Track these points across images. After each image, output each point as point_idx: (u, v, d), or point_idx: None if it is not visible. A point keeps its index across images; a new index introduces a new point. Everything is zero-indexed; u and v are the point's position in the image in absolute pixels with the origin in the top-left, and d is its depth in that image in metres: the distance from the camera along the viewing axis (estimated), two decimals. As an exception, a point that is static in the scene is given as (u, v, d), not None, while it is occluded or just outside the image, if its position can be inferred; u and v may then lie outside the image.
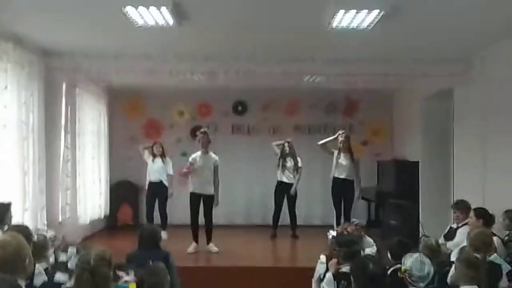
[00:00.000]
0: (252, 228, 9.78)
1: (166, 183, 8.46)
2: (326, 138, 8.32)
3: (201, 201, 7.36)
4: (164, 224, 8.27)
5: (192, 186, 7.37)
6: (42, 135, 6.76)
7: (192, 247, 7.36)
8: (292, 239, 8.68)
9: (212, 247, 7.39)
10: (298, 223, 9.04)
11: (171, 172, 8.54)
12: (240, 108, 10.57)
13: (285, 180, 8.72)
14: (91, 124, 8.90)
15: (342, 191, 8.06)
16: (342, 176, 8.01)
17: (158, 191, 8.42)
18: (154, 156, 8.47)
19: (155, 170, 8.40)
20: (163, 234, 7.96)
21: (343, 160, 8.02)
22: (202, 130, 7.59)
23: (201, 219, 7.46)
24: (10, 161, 5.95)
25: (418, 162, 8.65)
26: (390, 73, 7.15)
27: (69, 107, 7.76)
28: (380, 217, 9.44)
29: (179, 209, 8.81)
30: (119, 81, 7.39)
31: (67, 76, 7.26)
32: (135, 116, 10.38)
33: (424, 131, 8.58)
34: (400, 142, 10.07)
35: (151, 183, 8.44)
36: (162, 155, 8.51)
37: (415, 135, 8.96)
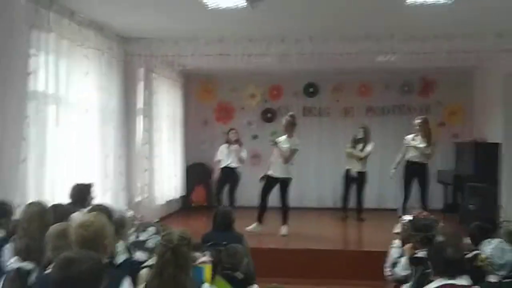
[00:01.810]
0: (323, 211, 9.73)
1: (238, 169, 8.59)
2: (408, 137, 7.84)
3: (277, 184, 7.35)
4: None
5: (271, 170, 7.36)
6: (121, 119, 7.07)
7: (252, 226, 7.22)
8: (359, 222, 8.57)
9: (284, 229, 7.37)
10: (370, 206, 8.89)
11: (245, 155, 8.66)
12: (311, 90, 10.47)
13: (349, 167, 8.60)
14: (167, 108, 9.17)
15: (415, 175, 7.72)
16: (416, 160, 7.65)
17: (231, 176, 8.55)
18: (229, 142, 8.58)
19: (230, 155, 8.52)
20: None
21: (420, 143, 7.65)
22: (289, 113, 7.52)
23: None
24: (92, 144, 6.28)
25: (499, 144, 8.20)
26: (470, 49, 6.78)
27: (146, 92, 8.02)
28: (458, 201, 9.09)
29: (248, 192, 8.91)
30: (193, 65, 7.54)
31: (144, 61, 7.49)
32: (207, 100, 10.57)
33: (507, 111, 8.08)
34: (480, 122, 9.59)
35: (225, 168, 8.57)
36: (238, 142, 8.60)
37: (496, 115, 8.49)
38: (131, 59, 7.35)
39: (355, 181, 8.64)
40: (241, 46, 7.04)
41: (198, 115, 10.58)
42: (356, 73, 9.61)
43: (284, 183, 7.34)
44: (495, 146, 8.24)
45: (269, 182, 7.38)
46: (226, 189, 8.71)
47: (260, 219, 7.42)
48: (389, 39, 6.89)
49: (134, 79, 7.72)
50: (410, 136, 7.78)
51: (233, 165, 8.54)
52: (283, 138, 7.39)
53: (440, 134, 9.85)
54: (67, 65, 5.62)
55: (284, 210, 7.43)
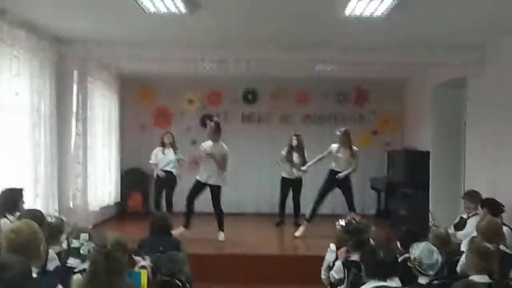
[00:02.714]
0: (260, 217, 9.81)
1: (175, 172, 8.48)
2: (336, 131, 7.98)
3: (207, 189, 7.36)
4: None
5: (200, 175, 7.41)
6: (54, 122, 6.82)
7: (178, 231, 6.93)
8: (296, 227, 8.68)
9: (220, 235, 7.38)
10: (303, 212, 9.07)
11: (183, 156, 8.61)
12: (250, 96, 10.56)
13: (287, 176, 8.70)
14: (102, 112, 8.94)
15: (338, 183, 7.83)
16: (339, 169, 7.76)
17: (167, 180, 8.45)
18: (163, 145, 8.48)
19: (165, 160, 8.42)
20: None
21: (342, 154, 7.76)
22: (215, 119, 7.57)
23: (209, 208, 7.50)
24: (22, 147, 6.01)
25: (429, 152, 8.59)
26: (403, 61, 7.08)
27: (80, 95, 7.77)
28: (390, 207, 9.43)
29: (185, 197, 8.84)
30: (130, 69, 7.42)
31: (78, 63, 7.27)
32: (145, 104, 10.41)
33: (436, 120, 8.50)
34: (411, 132, 10.02)
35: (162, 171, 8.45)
36: (173, 145, 8.51)
37: (426, 124, 8.89)
38: (65, 61, 7.12)
39: (292, 187, 8.75)
40: (179, 52, 7.00)
41: (135, 119, 10.39)
42: (294, 81, 9.79)
43: (215, 189, 7.33)
44: (425, 154, 8.62)
45: (196, 186, 7.38)
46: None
47: (186, 224, 7.37)
48: (326, 49, 7.07)
49: (68, 82, 7.47)
50: (335, 146, 7.85)
51: (168, 168, 8.43)
52: (208, 144, 7.36)
53: (373, 142, 10.23)
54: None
55: (219, 216, 7.42)
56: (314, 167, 8.49)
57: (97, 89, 8.61)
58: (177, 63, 6.99)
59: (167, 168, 8.41)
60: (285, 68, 7.26)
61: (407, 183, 8.56)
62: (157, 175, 8.47)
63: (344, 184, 7.82)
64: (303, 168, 8.25)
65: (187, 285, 3.54)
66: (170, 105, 10.45)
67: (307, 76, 8.62)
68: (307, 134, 9.08)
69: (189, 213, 7.43)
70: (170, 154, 8.46)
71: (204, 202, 7.73)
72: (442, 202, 8.01)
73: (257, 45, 7.00)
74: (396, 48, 6.99)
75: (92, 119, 8.26)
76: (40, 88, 6.43)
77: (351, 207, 7.72)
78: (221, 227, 7.43)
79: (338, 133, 7.84)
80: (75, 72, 7.61)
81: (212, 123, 7.41)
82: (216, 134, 7.31)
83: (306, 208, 8.84)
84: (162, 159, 8.43)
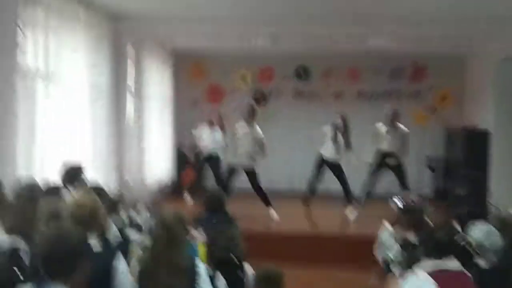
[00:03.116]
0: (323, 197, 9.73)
1: (220, 154, 8.53)
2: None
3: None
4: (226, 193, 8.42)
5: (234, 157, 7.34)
6: (111, 97, 6.98)
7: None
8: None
9: (271, 212, 7.39)
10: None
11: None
12: (302, 73, 10.43)
13: (327, 155, 8.21)
14: (157, 88, 9.06)
15: (385, 164, 7.65)
16: (386, 149, 7.58)
17: (212, 161, 8.52)
18: (211, 124, 8.50)
19: (211, 140, 8.48)
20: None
21: (390, 133, 7.56)
22: (253, 100, 7.43)
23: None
24: (82, 122, 6.19)
25: (489, 131, 8.24)
26: (463, 35, 6.76)
27: (135, 71, 7.92)
28: (448, 187, 9.16)
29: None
30: (184, 45, 7.46)
31: (134, 40, 7.37)
32: (198, 80, 10.48)
33: (498, 98, 8.11)
34: (471, 109, 9.62)
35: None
36: (222, 127, 8.54)
37: (487, 102, 8.51)
38: (120, 37, 7.24)
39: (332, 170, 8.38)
40: (232, 27, 6.97)
41: (188, 95, 10.49)
42: (346, 57, 9.57)
43: (250, 171, 7.31)
44: (486, 133, 8.28)
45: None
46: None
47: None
48: (380, 22, 6.84)
49: (124, 58, 7.60)
50: (381, 125, 7.65)
51: (212, 150, 8.50)
52: (242, 125, 7.25)
53: (430, 120, 9.92)
54: (55, 41, 5.48)
55: (261, 196, 7.40)
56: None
57: (152, 65, 8.73)
58: (230, 39, 6.96)
59: (212, 150, 8.46)
60: (338, 42, 7.06)
61: (466, 163, 8.26)
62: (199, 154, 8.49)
63: (394, 165, 7.61)
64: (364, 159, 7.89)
65: (241, 261, 3.58)
66: (223, 82, 10.46)
67: (360, 51, 8.33)
68: (360, 112, 8.89)
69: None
70: (216, 135, 8.50)
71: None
72: (503, 183, 7.68)
73: (310, 19, 6.86)
74: (456, 20, 6.67)
75: (147, 94, 8.41)
76: (98, 63, 6.57)
77: (403, 187, 7.51)
78: (267, 204, 7.41)
79: (386, 111, 7.58)
80: (131, 48, 7.73)
81: (248, 104, 7.29)
82: (250, 115, 7.20)
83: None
84: (207, 139, 8.48)
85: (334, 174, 8.22)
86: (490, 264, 3.31)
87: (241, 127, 7.26)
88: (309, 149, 10.13)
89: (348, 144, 7.96)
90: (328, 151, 8.10)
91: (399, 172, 7.65)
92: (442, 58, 9.59)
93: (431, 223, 4.13)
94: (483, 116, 8.70)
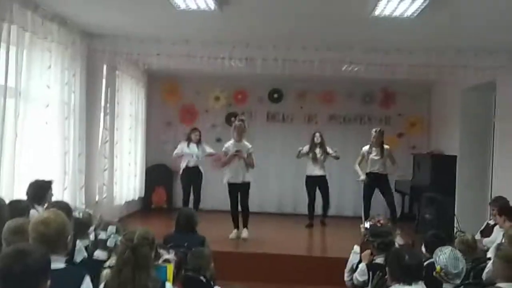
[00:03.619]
0: (283, 217, 9.81)
1: (201, 168, 8.52)
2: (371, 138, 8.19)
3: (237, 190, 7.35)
4: (195, 209, 8.38)
5: (228, 177, 7.33)
6: (83, 115, 6.92)
7: (233, 234, 7.39)
8: (322, 227, 8.68)
9: (244, 232, 7.40)
10: (329, 214, 9.05)
11: (211, 150, 8.64)
12: (276, 95, 10.55)
13: (314, 173, 8.64)
14: (130, 107, 9.03)
15: (377, 185, 8.06)
16: (375, 171, 8.01)
17: (194, 176, 8.48)
18: (189, 141, 8.51)
19: (192, 155, 8.46)
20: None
21: (375, 155, 8.01)
22: (240, 117, 7.54)
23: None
24: (52, 140, 6.11)
25: (455, 156, 8.47)
26: (431, 64, 6.98)
27: (109, 89, 7.88)
28: (414, 211, 9.32)
29: (211, 195, 8.92)
30: (159, 65, 7.47)
31: (108, 58, 7.35)
32: (172, 100, 10.49)
33: (463, 124, 8.38)
34: (437, 135, 9.88)
35: (187, 168, 8.49)
36: (198, 142, 8.54)
37: (453, 128, 8.77)
38: (94, 55, 7.21)
39: (319, 186, 8.72)
40: (207, 49, 7.03)
41: (161, 115, 10.49)
42: (320, 81, 9.72)
43: (244, 186, 7.34)
44: (452, 158, 8.51)
45: (231, 190, 7.36)
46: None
47: (236, 226, 7.45)
48: (352, 50, 7.03)
49: (97, 76, 7.58)
50: (366, 147, 8.10)
51: (196, 164, 8.47)
52: (230, 143, 7.36)
53: (398, 145, 10.12)
54: (28, 58, 5.46)
55: (245, 214, 7.46)
56: (337, 164, 8.72)
57: (125, 84, 8.72)
58: (205, 60, 7.01)
59: (192, 164, 8.44)
60: (312, 68, 7.21)
61: (432, 187, 8.45)
62: (183, 170, 8.48)
63: (383, 185, 8.02)
64: (361, 178, 8.20)
65: (211, 282, 3.57)
66: (196, 102, 10.51)
67: (333, 76, 8.53)
68: (331, 134, 9.03)
69: (235, 217, 7.47)
70: (195, 149, 8.49)
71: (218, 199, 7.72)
72: (468, 207, 7.90)
73: (284, 44, 6.99)
74: (425, 50, 6.91)
75: (119, 113, 8.37)
76: (70, 81, 6.52)
77: (391, 207, 7.95)
78: (245, 224, 7.45)
79: (373, 132, 8.04)
80: (105, 67, 7.71)
81: (236, 122, 7.38)
82: (239, 133, 7.28)
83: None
84: (187, 153, 8.46)
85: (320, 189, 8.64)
86: (454, 287, 3.37)
87: (230, 145, 7.31)
88: (281, 170, 10.26)
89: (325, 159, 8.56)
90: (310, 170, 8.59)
91: (388, 192, 8.07)
92: (411, 86, 9.86)
93: (397, 247, 4.20)
94: (449, 142, 8.94)
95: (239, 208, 7.43)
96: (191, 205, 8.22)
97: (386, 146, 8.11)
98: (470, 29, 6.01)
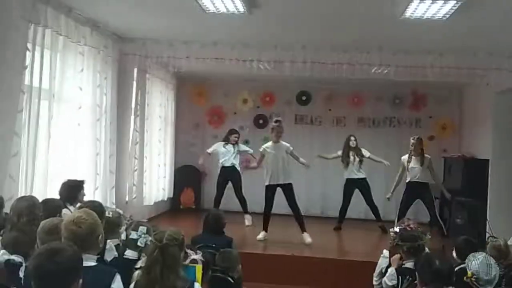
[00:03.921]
0: (310, 219, 9.73)
1: (238, 168, 8.58)
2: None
3: (280, 190, 7.35)
4: (245, 208, 8.53)
5: (268, 179, 7.31)
6: (114, 117, 7.06)
7: (261, 235, 7.38)
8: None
9: (307, 237, 7.31)
10: (359, 217, 8.99)
11: (251, 150, 8.73)
12: (304, 98, 10.52)
13: (352, 176, 8.56)
14: (159, 109, 9.15)
15: (418, 195, 7.88)
16: (416, 180, 7.81)
17: (232, 176, 8.53)
18: (227, 141, 8.57)
19: (229, 155, 8.51)
20: (248, 218, 8.34)
21: (414, 164, 7.82)
22: (276, 119, 7.53)
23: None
24: (84, 141, 6.25)
25: (487, 160, 8.29)
26: (463, 66, 6.87)
27: (139, 92, 8.01)
28: (445, 216, 9.16)
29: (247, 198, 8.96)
30: (188, 67, 7.55)
31: (138, 61, 7.47)
32: (200, 103, 10.57)
33: (496, 128, 8.19)
34: (469, 138, 9.69)
35: (224, 168, 8.55)
36: (236, 144, 8.61)
37: (485, 131, 8.59)
38: (125, 59, 7.35)
39: (358, 188, 8.63)
40: (236, 51, 7.07)
41: (190, 117, 10.58)
42: (348, 84, 9.63)
43: (287, 187, 7.33)
44: (484, 162, 8.33)
45: (270, 191, 7.36)
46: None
47: (266, 228, 7.45)
48: (381, 52, 6.98)
49: (128, 79, 7.70)
50: (405, 156, 7.94)
51: (233, 164, 8.51)
52: (268, 145, 7.41)
53: (429, 148, 9.95)
54: (62, 61, 5.61)
55: (298, 215, 7.41)
56: (366, 167, 8.65)
57: (155, 87, 8.84)
58: (233, 63, 7.06)
59: (229, 164, 8.49)
60: (341, 70, 7.18)
61: (464, 191, 8.28)
62: (221, 171, 8.55)
63: (425, 195, 7.83)
64: (388, 196, 8.16)
65: (239, 282, 3.59)
66: (224, 104, 10.56)
67: (362, 78, 8.47)
68: (360, 138, 8.93)
69: (267, 219, 7.44)
70: (232, 149, 8.55)
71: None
72: (501, 212, 7.70)
73: (313, 46, 6.99)
74: (456, 52, 6.82)
75: (149, 115, 8.49)
76: (102, 84, 6.67)
77: (433, 218, 7.86)
78: (304, 228, 7.38)
79: (412, 140, 7.86)
80: (135, 70, 7.84)
81: (274, 124, 7.39)
82: (277, 135, 7.31)
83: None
84: (224, 152, 8.52)
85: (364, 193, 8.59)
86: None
87: (269, 147, 7.36)
88: (310, 173, 10.20)
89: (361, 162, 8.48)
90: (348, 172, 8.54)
91: (430, 203, 7.88)
92: (442, 88, 9.71)
93: (429, 251, 4.14)
94: (481, 145, 8.77)
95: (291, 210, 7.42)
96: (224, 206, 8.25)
97: (427, 156, 7.90)
98: (503, 30, 5.90)
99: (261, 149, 7.49)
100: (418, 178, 7.80)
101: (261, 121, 10.53)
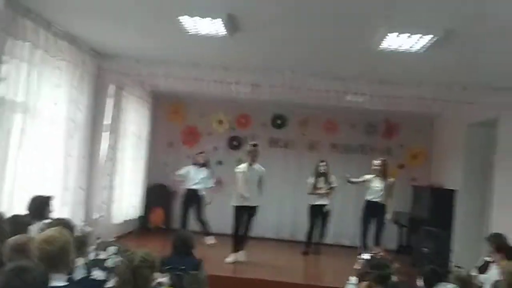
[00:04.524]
0: (281, 243, 9.77)
1: (203, 192, 8.59)
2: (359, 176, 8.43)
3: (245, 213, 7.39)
4: (207, 230, 8.55)
5: (236, 200, 7.37)
6: (87, 133, 6.98)
7: (231, 258, 7.37)
8: (317, 256, 8.65)
9: (242, 255, 7.43)
10: (327, 242, 9.04)
11: (212, 184, 8.78)
12: (279, 121, 10.62)
13: (316, 202, 8.63)
14: (134, 127, 9.09)
15: (372, 213, 8.12)
16: (374, 199, 8.09)
17: (197, 198, 8.54)
18: (198, 164, 8.63)
19: (198, 178, 8.54)
20: (210, 239, 8.34)
21: (377, 184, 8.10)
22: (253, 143, 7.66)
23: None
24: (55, 156, 6.15)
25: (455, 190, 8.48)
26: (437, 98, 7.07)
27: (115, 109, 7.95)
28: (412, 244, 9.29)
29: (208, 217, 8.92)
30: (165, 87, 7.57)
31: (115, 78, 7.44)
32: (175, 121, 10.55)
33: (466, 159, 8.41)
34: (438, 168, 9.91)
35: (190, 190, 8.56)
36: (207, 166, 8.68)
37: (455, 162, 8.80)
38: (103, 75, 7.30)
39: (321, 216, 8.71)
40: (215, 73, 7.12)
41: (164, 136, 10.54)
42: (323, 109, 9.80)
43: (253, 210, 7.41)
44: (451, 192, 8.52)
45: (238, 212, 7.39)
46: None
47: (236, 250, 7.43)
48: (357, 80, 7.12)
49: (104, 95, 7.65)
50: (369, 176, 8.18)
51: (198, 187, 8.54)
52: (244, 166, 7.47)
53: (398, 176, 10.13)
54: (39, 75, 5.54)
55: (246, 237, 7.52)
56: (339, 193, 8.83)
57: (131, 104, 8.80)
58: (211, 84, 7.10)
59: (195, 187, 8.52)
60: (316, 96, 7.30)
61: (431, 220, 8.43)
62: (186, 192, 8.59)
63: (380, 216, 8.08)
64: (348, 177, 8.33)
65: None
66: (199, 125, 10.58)
67: (337, 105, 8.63)
68: (333, 163, 9.04)
69: (237, 240, 7.46)
70: (201, 173, 8.59)
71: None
72: (466, 242, 7.88)
73: (291, 72, 7.08)
74: (430, 84, 7.00)
75: (123, 132, 8.43)
76: (78, 99, 6.61)
77: (377, 239, 8.00)
78: (243, 247, 7.49)
79: (376, 162, 8.17)
80: (111, 86, 7.79)
81: (250, 147, 7.50)
82: (252, 158, 7.39)
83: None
84: (193, 176, 8.56)
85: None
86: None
87: (243, 168, 7.42)
88: (281, 196, 10.26)
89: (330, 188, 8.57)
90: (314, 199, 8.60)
91: (380, 223, 8.11)
92: (413, 118, 9.94)
93: (397, 279, 4.20)
94: (450, 175, 8.97)
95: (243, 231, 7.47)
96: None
97: (391, 179, 8.21)
98: (477, 65, 6.10)
99: (236, 169, 7.52)
100: (379, 198, 8.05)
101: (235, 143, 10.56)
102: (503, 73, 6.25)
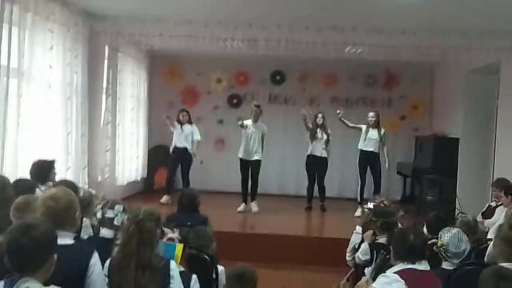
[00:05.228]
0: (284, 198, 9.83)
1: (190, 150, 8.58)
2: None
3: (249, 166, 8.03)
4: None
5: (241, 153, 8.07)
6: (85, 96, 6.91)
7: (241, 207, 8.08)
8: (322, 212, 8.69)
9: (254, 206, 8.08)
10: (331, 195, 9.08)
11: (198, 137, 8.67)
12: (278, 77, 10.52)
13: (315, 153, 8.59)
14: (131, 88, 9.02)
15: (368, 162, 8.30)
16: (368, 149, 8.23)
17: (183, 157, 8.55)
18: (180, 123, 8.56)
19: (183, 136, 8.52)
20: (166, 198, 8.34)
21: (372, 135, 8.22)
22: (256, 103, 8.20)
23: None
24: (54, 120, 6.12)
25: (458, 138, 8.47)
26: (436, 45, 6.96)
27: (110, 70, 7.87)
28: (416, 193, 9.35)
29: (212, 176, 8.95)
30: (160, 46, 7.45)
31: (110, 39, 7.31)
32: (173, 82, 10.45)
33: (466, 106, 8.36)
34: (440, 117, 9.87)
35: (176, 149, 8.57)
36: (189, 122, 8.61)
37: (456, 110, 8.75)
38: (96, 37, 7.17)
39: (318, 166, 8.66)
40: (210, 30, 6.99)
41: (163, 97, 10.45)
42: (322, 63, 9.67)
43: (257, 164, 8.06)
44: (454, 140, 8.51)
45: (242, 165, 8.06)
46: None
47: (245, 200, 8.15)
48: (355, 31, 6.99)
49: (99, 57, 7.56)
50: (365, 127, 8.32)
51: (186, 145, 8.52)
52: (249, 122, 7.96)
53: (400, 127, 10.11)
54: (30, 39, 5.45)
55: (255, 188, 8.15)
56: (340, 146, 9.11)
57: (127, 65, 8.70)
58: (207, 41, 6.98)
59: (182, 145, 8.52)
60: (315, 49, 7.18)
61: (434, 169, 8.45)
62: (173, 152, 8.64)
63: (374, 165, 8.27)
64: (339, 113, 8.32)
65: (214, 260, 3.60)
66: (198, 84, 10.47)
67: (335, 58, 8.50)
68: (333, 117, 8.98)
69: (245, 191, 8.15)
70: (186, 129, 8.55)
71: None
72: (470, 189, 7.92)
73: (287, 25, 6.95)
74: (429, 32, 6.87)
75: (121, 94, 8.36)
76: (73, 62, 6.52)
77: (377, 189, 8.15)
78: (254, 197, 8.13)
79: (371, 114, 8.31)
80: (106, 48, 7.69)
81: (254, 107, 8.05)
82: (255, 117, 8.01)
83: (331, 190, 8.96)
84: (178, 134, 8.54)
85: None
86: (455, 267, 3.40)
87: (250, 125, 8.02)
88: (283, 152, 10.28)
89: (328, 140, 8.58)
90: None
91: (376, 172, 8.28)
92: (413, 68, 9.82)
93: (402, 227, 4.23)
94: (452, 124, 8.93)
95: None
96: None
97: (383, 129, 8.36)
98: (475, 12, 5.97)
99: (244, 125, 7.91)
100: (373, 147, 8.21)
101: (235, 101, 10.49)
102: (503, 15, 6.11)
